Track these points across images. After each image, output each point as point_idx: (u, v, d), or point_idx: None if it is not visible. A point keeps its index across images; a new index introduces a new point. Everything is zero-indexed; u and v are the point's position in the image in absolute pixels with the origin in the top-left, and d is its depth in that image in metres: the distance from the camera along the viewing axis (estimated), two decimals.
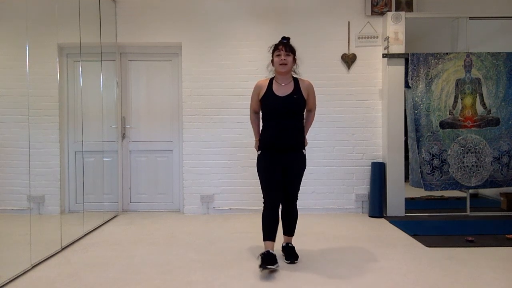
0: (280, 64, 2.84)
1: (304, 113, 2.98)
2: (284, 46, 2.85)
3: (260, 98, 2.92)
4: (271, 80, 2.93)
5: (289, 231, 3.09)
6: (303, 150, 2.93)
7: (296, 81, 2.92)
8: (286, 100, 2.82)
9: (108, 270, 2.88)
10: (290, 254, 3.03)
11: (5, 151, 3.21)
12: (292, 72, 2.96)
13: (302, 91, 2.88)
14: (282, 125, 2.81)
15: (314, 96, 3.00)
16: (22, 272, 2.79)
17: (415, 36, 5.34)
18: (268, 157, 2.88)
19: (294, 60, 2.92)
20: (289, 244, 3.11)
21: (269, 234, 2.87)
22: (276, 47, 2.89)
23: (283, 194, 2.94)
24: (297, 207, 3.06)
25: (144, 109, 4.89)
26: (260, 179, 2.93)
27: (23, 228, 3.00)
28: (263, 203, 2.93)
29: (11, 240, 3.09)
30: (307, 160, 3.00)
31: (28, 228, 2.99)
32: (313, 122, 3.21)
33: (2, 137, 3.23)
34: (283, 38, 2.94)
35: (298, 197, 3.01)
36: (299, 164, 2.92)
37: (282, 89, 2.85)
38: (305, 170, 2.98)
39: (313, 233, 3.86)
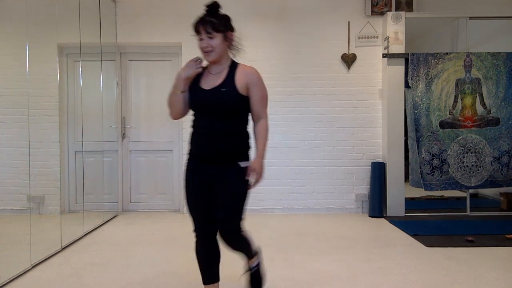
0: (205, 52, 2.05)
1: (249, 117, 2.16)
2: (204, 27, 2.00)
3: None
4: (204, 68, 2.16)
5: (242, 257, 2.30)
6: (240, 163, 2.08)
7: (233, 68, 2.10)
8: (210, 94, 2.04)
9: (108, 270, 2.87)
10: (251, 283, 2.33)
11: (5, 151, 3.22)
12: (231, 54, 2.16)
13: (237, 82, 2.04)
14: (208, 127, 2.07)
15: (262, 92, 2.10)
16: (22, 272, 2.79)
17: (415, 36, 5.34)
18: (192, 169, 2.13)
19: (228, 37, 2.08)
20: (251, 268, 2.31)
21: (206, 276, 2.19)
22: (195, 30, 2.06)
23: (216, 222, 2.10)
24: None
25: (144, 109, 4.89)
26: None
27: (23, 228, 3.00)
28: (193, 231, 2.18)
29: (11, 240, 3.09)
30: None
31: (28, 228, 2.99)
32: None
33: (2, 137, 3.23)
34: (205, 9, 2.07)
35: (240, 225, 2.10)
36: (231, 181, 2.06)
37: (210, 80, 2.08)
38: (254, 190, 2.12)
39: (313, 233, 3.86)
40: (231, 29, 2.11)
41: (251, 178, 2.09)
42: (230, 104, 2.03)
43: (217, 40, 2.02)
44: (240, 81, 2.04)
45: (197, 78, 2.12)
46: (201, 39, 2.04)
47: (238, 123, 2.10)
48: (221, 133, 2.05)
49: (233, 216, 2.07)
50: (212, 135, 2.06)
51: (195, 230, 2.17)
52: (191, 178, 2.13)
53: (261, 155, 2.11)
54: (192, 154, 2.15)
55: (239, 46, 2.18)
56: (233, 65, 2.12)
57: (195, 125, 2.17)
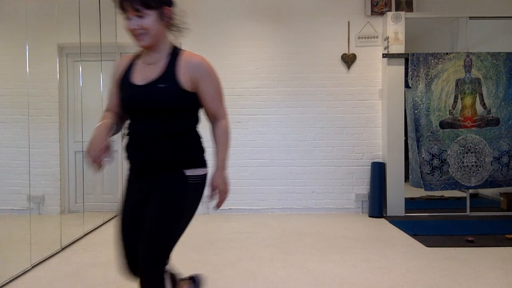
0: (135, 36, 1.56)
1: (199, 114, 1.70)
2: (131, 2, 1.49)
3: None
4: (136, 57, 1.70)
5: None
6: (186, 171, 1.61)
7: (174, 57, 1.61)
8: (144, 91, 1.57)
9: (108, 270, 2.87)
10: None
11: (5, 151, 3.22)
12: (171, 37, 1.66)
13: (180, 75, 1.57)
14: (142, 133, 1.60)
15: (216, 86, 1.66)
16: (22, 272, 2.79)
17: (415, 36, 5.34)
18: (128, 183, 1.70)
19: (164, 15, 1.56)
20: None
21: None
22: (120, 6, 1.54)
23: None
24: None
25: None
26: None
27: (23, 228, 3.00)
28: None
29: (11, 240, 3.10)
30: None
31: (28, 228, 2.99)
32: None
33: (2, 137, 3.23)
34: None
35: (161, 262, 1.55)
36: (168, 189, 1.60)
37: (145, 72, 1.61)
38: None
39: (313, 233, 3.86)
40: (168, 3, 1.58)
41: (215, 197, 1.71)
42: (171, 103, 1.56)
43: (149, 19, 1.52)
44: (184, 74, 1.57)
45: (128, 70, 1.66)
46: (128, 19, 1.53)
47: (182, 124, 1.62)
48: (161, 137, 1.58)
49: (153, 245, 1.53)
50: (149, 141, 1.58)
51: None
52: (126, 194, 1.68)
53: (222, 167, 1.68)
54: (130, 170, 1.68)
55: (181, 25, 1.65)
56: (175, 53, 1.62)
57: (129, 132, 1.65)
